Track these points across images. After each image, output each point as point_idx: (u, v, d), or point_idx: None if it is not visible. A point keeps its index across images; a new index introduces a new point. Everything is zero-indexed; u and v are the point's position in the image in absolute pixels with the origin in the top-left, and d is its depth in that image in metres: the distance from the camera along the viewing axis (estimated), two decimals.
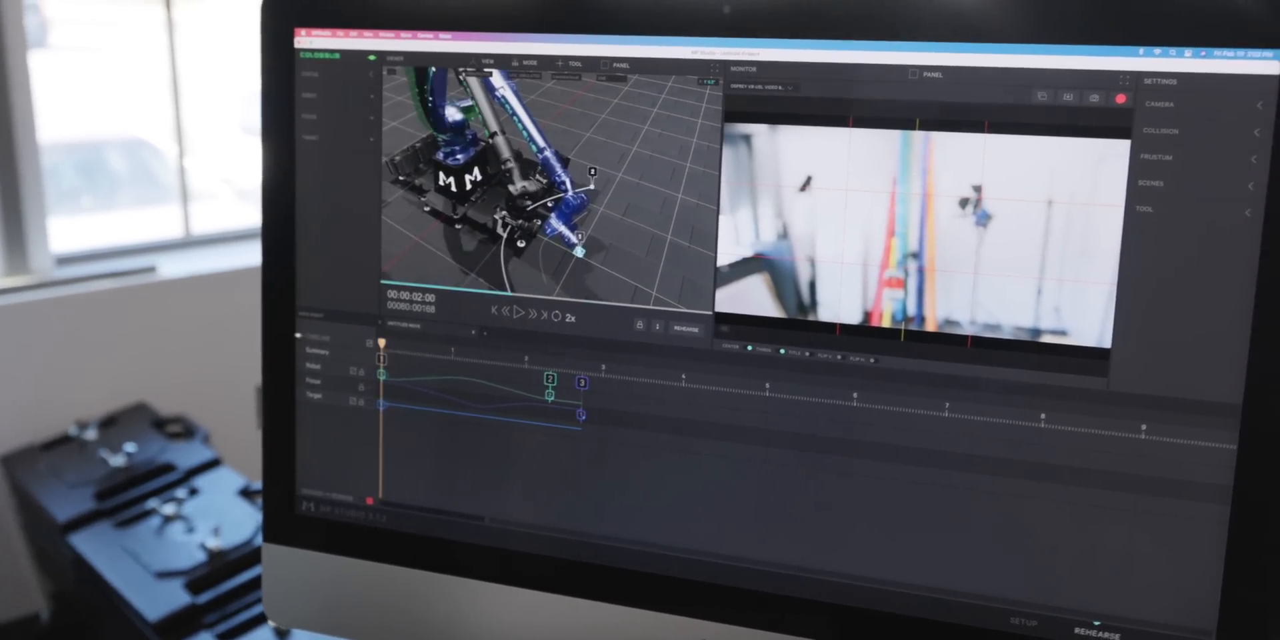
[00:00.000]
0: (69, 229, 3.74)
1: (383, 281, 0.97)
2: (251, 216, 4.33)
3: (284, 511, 1.02)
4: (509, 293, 0.93)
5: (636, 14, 0.89)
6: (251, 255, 3.81)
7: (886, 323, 0.85)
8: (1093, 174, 0.79)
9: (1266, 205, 0.76)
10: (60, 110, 3.65)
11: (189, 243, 3.95)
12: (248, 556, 2.51)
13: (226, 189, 4.45)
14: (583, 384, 0.92)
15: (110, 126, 4.26)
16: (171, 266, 3.73)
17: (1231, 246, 0.77)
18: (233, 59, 4.16)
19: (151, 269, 3.68)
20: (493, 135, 0.93)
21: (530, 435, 0.94)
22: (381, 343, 0.97)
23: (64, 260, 3.64)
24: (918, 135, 0.82)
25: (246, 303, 3.64)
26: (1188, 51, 0.77)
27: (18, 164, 3.42)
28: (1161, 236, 0.78)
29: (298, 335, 0.99)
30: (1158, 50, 0.77)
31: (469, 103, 0.93)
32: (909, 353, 0.84)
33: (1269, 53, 0.75)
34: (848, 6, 0.84)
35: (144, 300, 3.57)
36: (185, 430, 3.26)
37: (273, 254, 0.99)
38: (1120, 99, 0.78)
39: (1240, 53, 0.75)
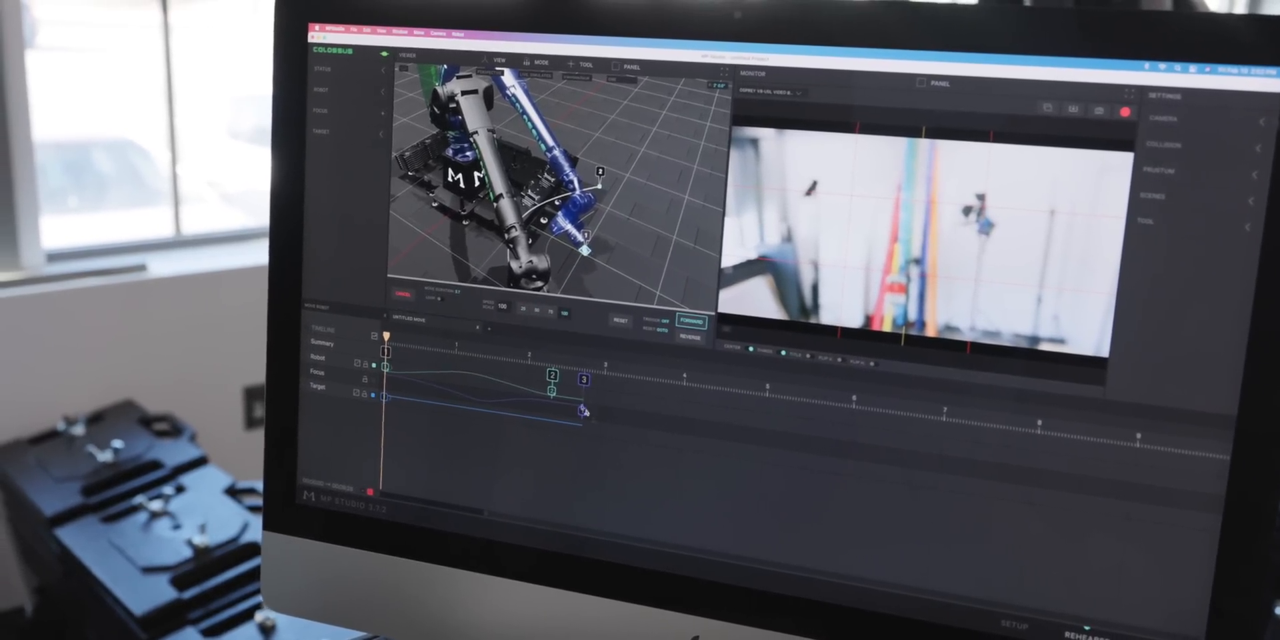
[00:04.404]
0: (56, 228, 3.73)
1: (389, 275, 0.97)
2: (239, 219, 4.32)
3: (285, 500, 1.02)
4: (514, 289, 0.94)
5: (648, 17, 0.90)
6: (242, 256, 3.82)
7: (887, 327, 0.86)
8: (1095, 185, 0.80)
9: (1266, 220, 0.77)
10: (47, 110, 3.64)
11: (180, 242, 3.93)
12: (233, 554, 2.51)
13: (212, 192, 4.44)
14: (585, 381, 0.93)
15: (98, 127, 4.25)
16: (162, 265, 3.73)
17: (1230, 260, 0.78)
18: (224, 63, 4.15)
19: (142, 267, 3.67)
20: (498, 198, 0.94)
21: (531, 430, 0.95)
22: (386, 336, 0.98)
23: (55, 257, 3.63)
24: (923, 143, 0.83)
25: (236, 303, 3.63)
26: (1193, 67, 0.78)
27: (12, 159, 3.41)
28: (1162, 248, 0.79)
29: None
30: (1163, 65, 0.78)
31: (474, 157, 0.95)
32: (909, 357, 0.85)
33: (1273, 70, 0.76)
34: (857, 14, 0.85)
35: (134, 298, 3.56)
36: (172, 428, 3.26)
37: (281, 246, 1.00)
38: (1124, 112, 0.79)
39: (1245, 70, 0.77)
